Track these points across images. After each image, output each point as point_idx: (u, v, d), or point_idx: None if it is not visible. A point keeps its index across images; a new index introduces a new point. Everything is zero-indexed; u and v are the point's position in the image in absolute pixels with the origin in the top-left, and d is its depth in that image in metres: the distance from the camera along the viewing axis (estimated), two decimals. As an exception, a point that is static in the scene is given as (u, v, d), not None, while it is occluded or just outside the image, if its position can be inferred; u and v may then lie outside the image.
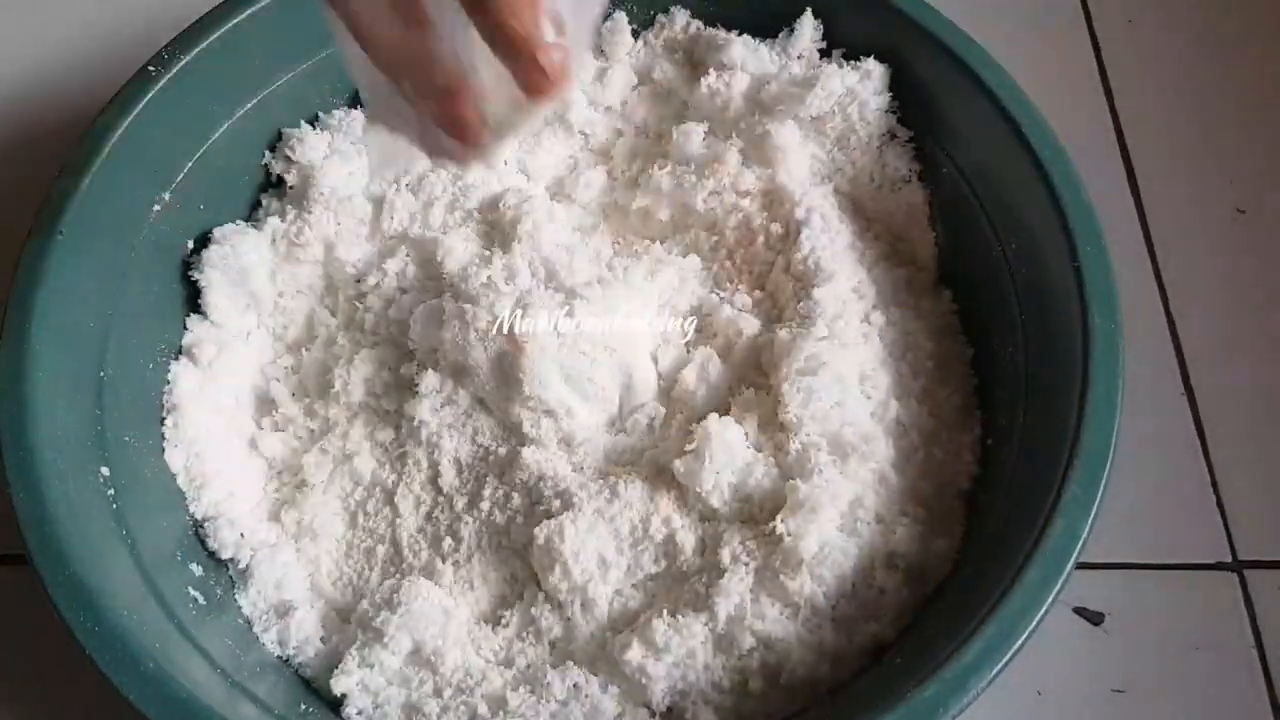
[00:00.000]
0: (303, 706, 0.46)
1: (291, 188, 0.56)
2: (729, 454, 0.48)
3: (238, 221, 0.55)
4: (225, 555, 0.50)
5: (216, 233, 0.54)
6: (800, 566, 0.46)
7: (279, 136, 0.57)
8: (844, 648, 0.46)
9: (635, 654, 0.45)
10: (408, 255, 0.55)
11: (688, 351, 0.53)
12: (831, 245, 0.52)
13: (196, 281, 0.54)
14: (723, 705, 0.45)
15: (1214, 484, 0.57)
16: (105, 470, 0.47)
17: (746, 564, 0.46)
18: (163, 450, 0.51)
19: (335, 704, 0.48)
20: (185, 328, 0.54)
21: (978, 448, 0.50)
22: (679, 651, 0.45)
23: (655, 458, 0.50)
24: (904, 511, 0.48)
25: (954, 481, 0.49)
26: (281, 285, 0.55)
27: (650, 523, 0.48)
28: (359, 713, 0.47)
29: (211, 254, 0.54)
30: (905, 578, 0.47)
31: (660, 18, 0.60)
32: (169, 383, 0.52)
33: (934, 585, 0.47)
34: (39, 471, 0.44)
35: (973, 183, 0.53)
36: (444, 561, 0.49)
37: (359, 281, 0.55)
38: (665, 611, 0.46)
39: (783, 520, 0.47)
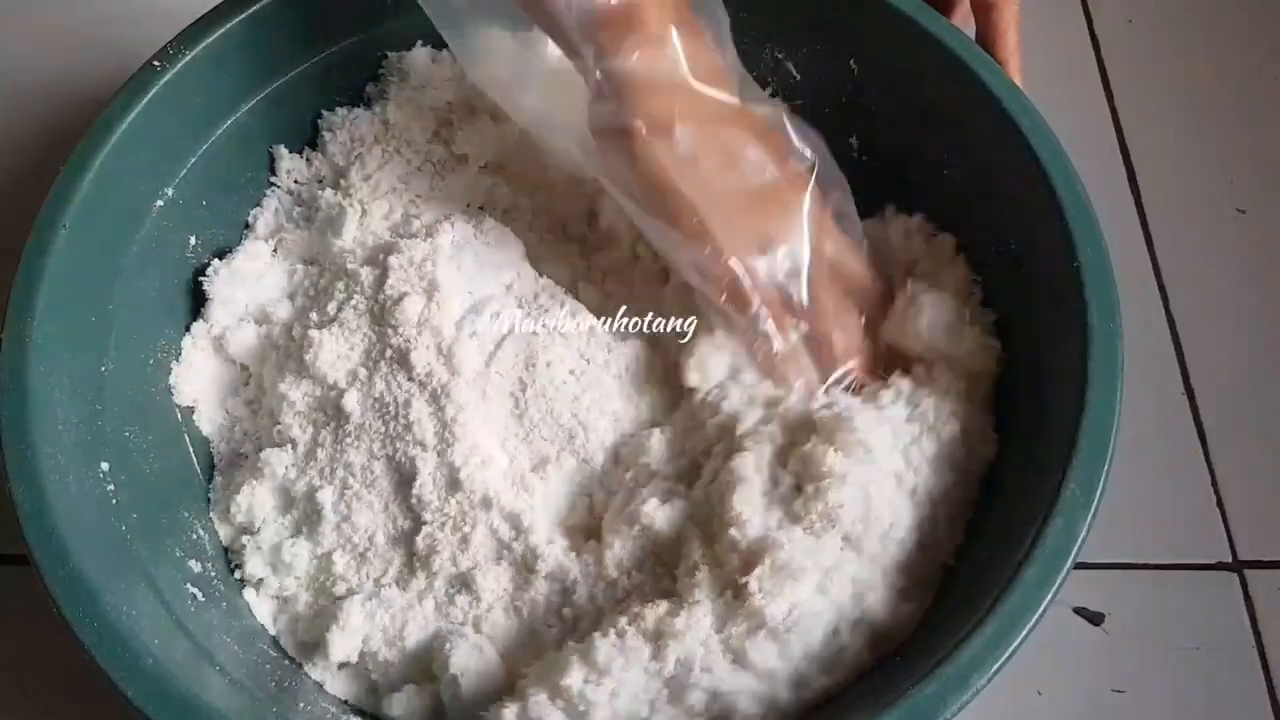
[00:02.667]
0: (302, 704, 0.46)
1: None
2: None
3: (250, 238, 0.56)
4: (227, 549, 0.50)
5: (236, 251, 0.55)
6: (761, 630, 0.43)
7: (283, 134, 0.57)
8: (793, 703, 0.44)
9: (575, 678, 0.43)
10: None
11: None
12: None
13: (203, 287, 0.54)
14: None
15: (1214, 484, 0.57)
16: (105, 465, 0.47)
17: (709, 604, 0.44)
18: (163, 446, 0.51)
19: (350, 708, 0.48)
20: (187, 329, 0.54)
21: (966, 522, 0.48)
22: (621, 676, 0.43)
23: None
24: (884, 575, 0.46)
25: (940, 556, 0.47)
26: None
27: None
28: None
29: (223, 268, 0.54)
30: (870, 641, 0.45)
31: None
32: (171, 380, 0.52)
33: (894, 647, 0.45)
34: (39, 466, 0.43)
35: (972, 183, 0.53)
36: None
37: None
38: (612, 630, 0.44)
39: (757, 578, 0.44)
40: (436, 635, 0.48)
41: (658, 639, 0.43)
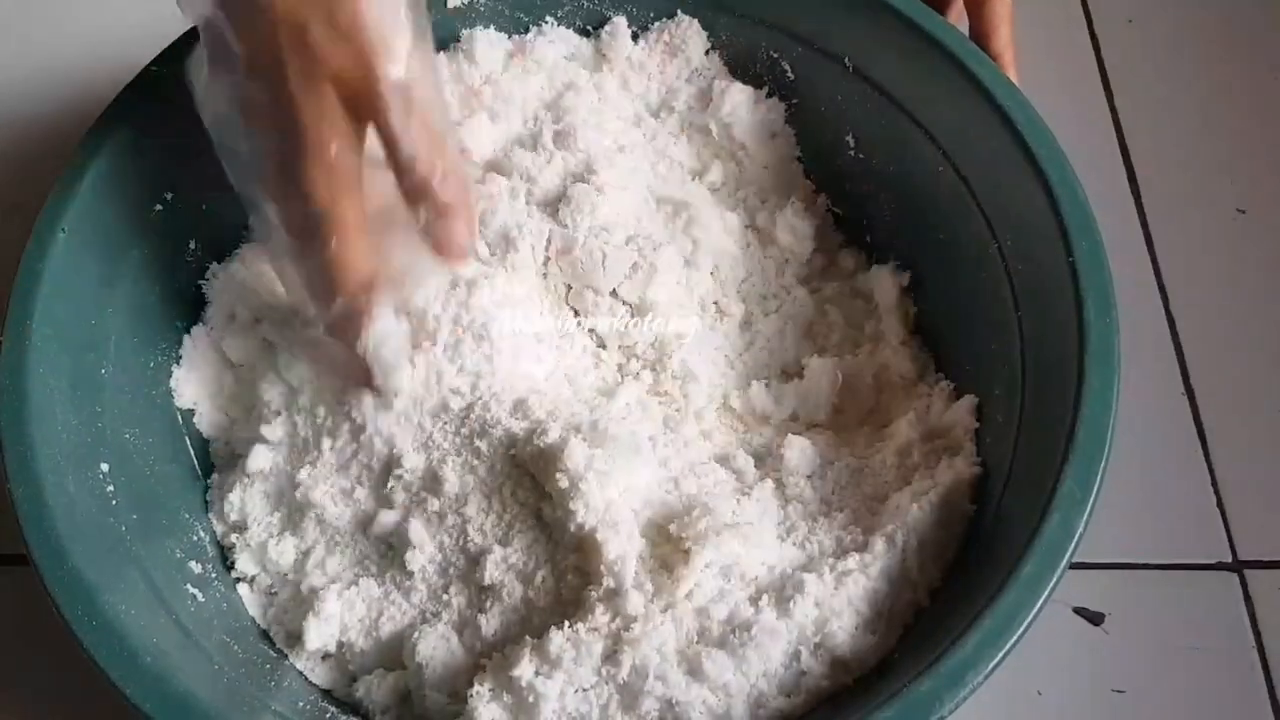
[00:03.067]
0: (300, 704, 0.47)
1: None
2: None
3: (250, 241, 0.56)
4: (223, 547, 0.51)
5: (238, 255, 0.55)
6: (723, 643, 0.44)
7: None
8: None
9: (526, 670, 0.43)
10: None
11: None
12: None
13: (202, 290, 0.54)
14: None
15: (1214, 484, 0.57)
16: (105, 467, 0.47)
17: (664, 612, 0.44)
18: (163, 448, 0.51)
19: (336, 701, 0.49)
20: (187, 332, 0.54)
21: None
22: (573, 670, 0.43)
23: None
24: (849, 603, 0.45)
25: (915, 596, 0.47)
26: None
27: None
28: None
29: (223, 271, 0.54)
30: (830, 668, 0.45)
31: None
32: (171, 382, 0.53)
33: (854, 677, 0.45)
34: (38, 467, 0.44)
35: (968, 180, 0.53)
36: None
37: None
38: (567, 624, 0.44)
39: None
40: (409, 625, 0.48)
41: (614, 639, 0.44)
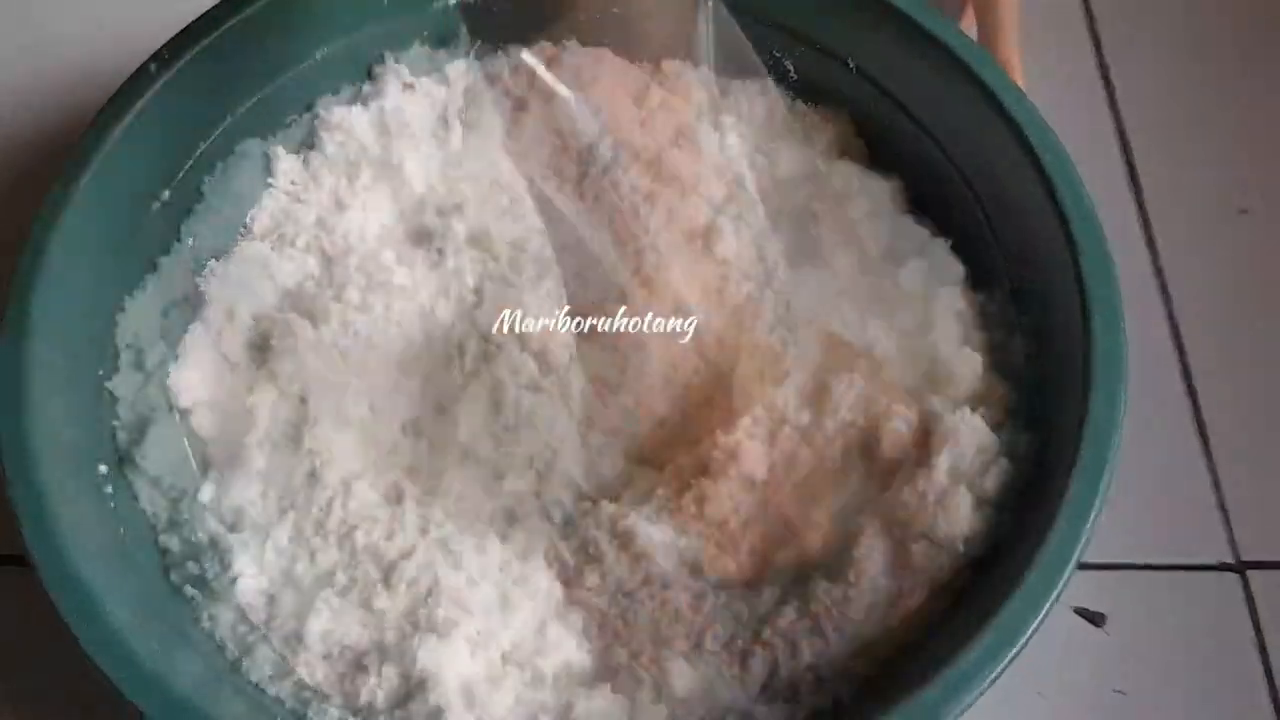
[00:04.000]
0: (301, 704, 0.46)
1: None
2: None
3: (248, 239, 0.56)
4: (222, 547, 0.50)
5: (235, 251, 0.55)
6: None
7: (280, 135, 0.57)
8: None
9: None
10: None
11: None
12: None
13: (201, 288, 0.54)
14: None
15: (1216, 484, 0.57)
16: (103, 468, 0.47)
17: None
18: (161, 447, 0.51)
19: (335, 702, 0.48)
20: (185, 330, 0.54)
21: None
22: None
23: None
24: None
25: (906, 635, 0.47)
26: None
27: None
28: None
29: (221, 269, 0.54)
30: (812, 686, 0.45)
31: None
32: (169, 381, 0.52)
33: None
34: (37, 468, 0.44)
35: (974, 186, 0.53)
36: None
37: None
38: None
39: None
40: (407, 632, 0.48)
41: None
